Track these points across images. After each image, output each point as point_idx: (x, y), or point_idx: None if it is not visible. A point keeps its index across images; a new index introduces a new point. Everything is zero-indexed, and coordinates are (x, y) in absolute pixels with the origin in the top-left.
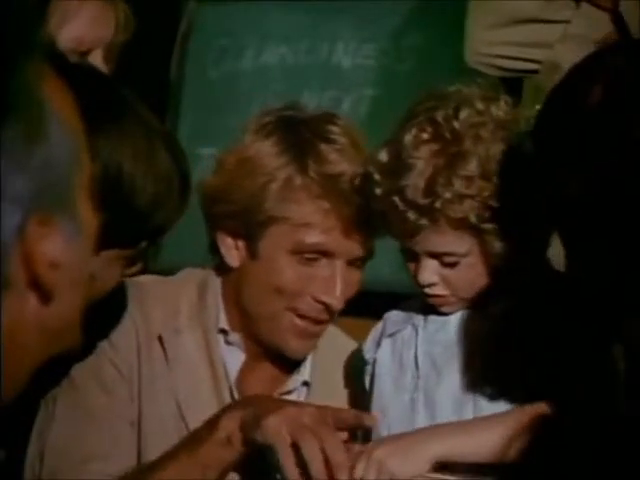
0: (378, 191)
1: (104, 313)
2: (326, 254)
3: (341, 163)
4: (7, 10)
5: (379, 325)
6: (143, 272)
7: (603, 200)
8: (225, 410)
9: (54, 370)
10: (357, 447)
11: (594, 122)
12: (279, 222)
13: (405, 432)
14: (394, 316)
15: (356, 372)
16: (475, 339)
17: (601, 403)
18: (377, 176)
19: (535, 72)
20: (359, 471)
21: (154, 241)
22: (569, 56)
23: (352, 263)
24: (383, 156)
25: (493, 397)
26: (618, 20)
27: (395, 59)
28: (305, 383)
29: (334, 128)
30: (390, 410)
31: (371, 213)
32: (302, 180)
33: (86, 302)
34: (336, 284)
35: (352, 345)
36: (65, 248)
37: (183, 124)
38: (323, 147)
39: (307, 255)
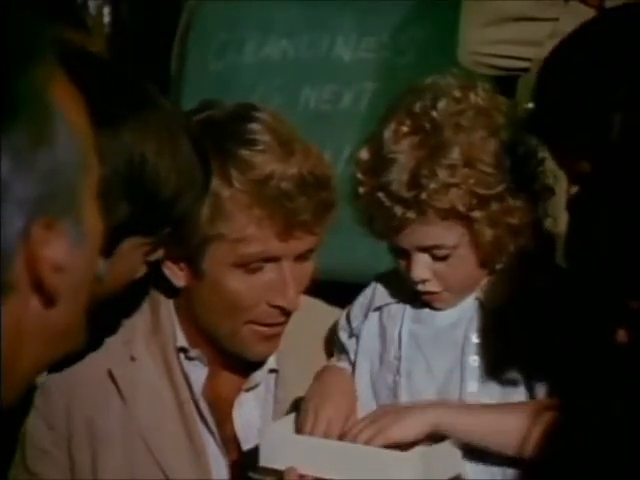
0: (361, 190)
1: (122, 303)
2: (270, 259)
3: (267, 165)
4: (14, 14)
5: (367, 292)
6: None
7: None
8: None
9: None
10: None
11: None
12: (215, 240)
13: (408, 403)
14: (383, 287)
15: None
16: (466, 327)
17: (599, 399)
18: (360, 175)
19: (527, 70)
20: (363, 437)
21: (176, 228)
22: None
23: (300, 257)
24: (364, 154)
25: (481, 390)
26: None
27: (395, 52)
28: (272, 370)
29: (254, 126)
30: (376, 385)
31: (317, 204)
32: (229, 192)
33: (111, 291)
34: (287, 286)
35: (321, 307)
36: (69, 252)
37: None
38: (244, 152)
39: (252, 265)
